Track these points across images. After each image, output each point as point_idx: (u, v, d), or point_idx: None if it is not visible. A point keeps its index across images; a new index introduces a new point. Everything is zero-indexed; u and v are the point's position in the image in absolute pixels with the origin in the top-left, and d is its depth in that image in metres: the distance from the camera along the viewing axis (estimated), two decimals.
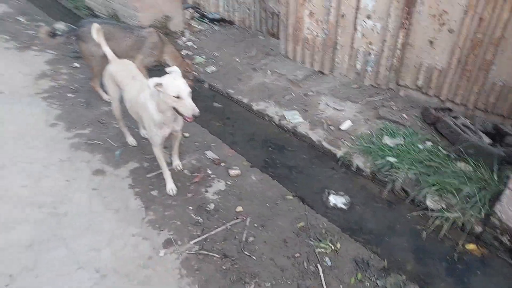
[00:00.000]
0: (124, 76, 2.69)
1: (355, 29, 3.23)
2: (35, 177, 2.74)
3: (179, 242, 2.31)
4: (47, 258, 2.17)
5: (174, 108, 2.23)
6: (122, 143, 3.15)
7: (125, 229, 2.38)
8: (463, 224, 2.37)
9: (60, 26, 4.50)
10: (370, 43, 3.24)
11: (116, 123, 3.21)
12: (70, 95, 3.81)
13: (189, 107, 2.16)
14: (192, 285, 2.07)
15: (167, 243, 2.30)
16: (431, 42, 2.99)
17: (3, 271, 2.07)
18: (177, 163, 2.90)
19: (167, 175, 2.69)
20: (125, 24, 4.63)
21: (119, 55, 3.57)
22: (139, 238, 2.33)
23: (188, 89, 2.20)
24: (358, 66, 3.44)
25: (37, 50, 4.69)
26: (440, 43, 2.96)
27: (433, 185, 2.52)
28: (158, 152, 2.60)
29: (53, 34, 3.67)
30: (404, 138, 2.94)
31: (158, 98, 2.26)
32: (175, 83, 2.20)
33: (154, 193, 2.68)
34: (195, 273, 2.13)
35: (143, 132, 3.21)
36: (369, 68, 3.38)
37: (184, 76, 3.66)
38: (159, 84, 2.19)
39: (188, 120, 2.23)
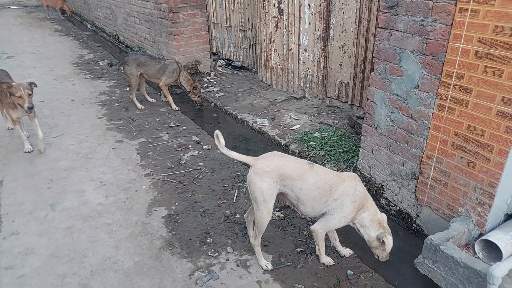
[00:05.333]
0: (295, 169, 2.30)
1: (299, 58, 4.61)
2: (79, 140, 4.31)
3: (154, 174, 3.61)
4: (75, 174, 3.60)
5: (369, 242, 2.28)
6: (140, 129, 4.65)
7: (124, 166, 3.76)
8: None
9: (115, 61, 6.48)
10: (308, 68, 4.55)
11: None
12: (116, 104, 5.53)
13: (387, 254, 2.29)
14: (154, 193, 3.32)
15: (147, 175, 3.62)
16: (340, 65, 4.22)
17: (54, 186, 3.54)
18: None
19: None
20: (156, 56, 6.44)
21: (150, 77, 5.31)
22: (132, 170, 3.69)
23: None
24: (302, 84, 4.74)
25: (104, 79, 6.67)
26: (345, 65, 4.19)
27: (333, 156, 3.59)
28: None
29: (110, 65, 5.55)
30: (327, 133, 4.06)
31: (370, 231, 2.25)
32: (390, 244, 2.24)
33: (150, 153, 4.06)
34: (158, 188, 3.39)
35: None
36: (308, 85, 4.64)
37: (193, 93, 5.27)
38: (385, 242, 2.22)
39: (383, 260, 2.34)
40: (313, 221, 2.46)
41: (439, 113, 2.39)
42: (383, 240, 2.20)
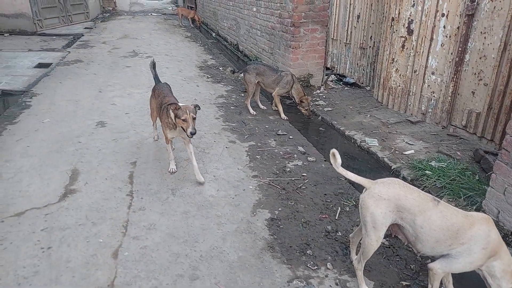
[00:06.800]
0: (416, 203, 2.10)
1: (424, 81, 4.31)
2: (199, 136, 4.76)
3: (261, 177, 3.79)
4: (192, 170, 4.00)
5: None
6: (251, 133, 4.93)
7: (235, 165, 4.03)
8: None
9: (235, 68, 6.98)
10: (433, 92, 4.21)
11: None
12: (232, 107, 5.97)
13: None
14: (259, 194, 3.49)
15: (254, 176, 3.82)
16: (473, 93, 3.80)
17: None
18: None
19: None
20: (273, 66, 6.73)
21: (265, 86, 5.60)
22: (241, 170, 3.93)
23: None
24: (423, 108, 4.40)
25: (223, 84, 7.28)
26: (479, 93, 3.76)
27: (452, 190, 3.28)
28: None
29: (233, 71, 6.03)
30: (446, 164, 3.72)
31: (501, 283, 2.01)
32: None
33: (258, 156, 4.28)
34: (263, 190, 3.55)
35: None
36: (430, 110, 4.28)
37: (301, 105, 5.39)
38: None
39: None
40: (423, 255, 2.28)
41: None
42: None
